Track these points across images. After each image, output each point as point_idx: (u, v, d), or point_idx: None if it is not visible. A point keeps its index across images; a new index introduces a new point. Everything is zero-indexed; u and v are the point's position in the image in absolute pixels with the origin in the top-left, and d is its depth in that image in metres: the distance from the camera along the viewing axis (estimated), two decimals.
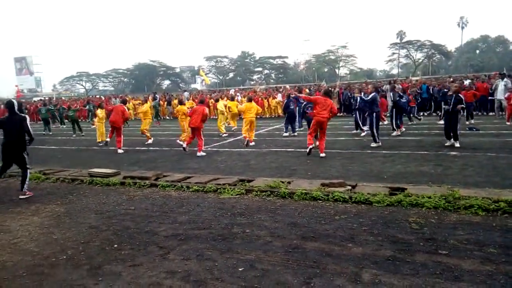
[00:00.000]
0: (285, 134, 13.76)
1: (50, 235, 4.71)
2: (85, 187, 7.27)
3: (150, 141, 13.28)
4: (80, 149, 13.08)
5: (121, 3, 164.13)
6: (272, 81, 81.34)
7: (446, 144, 9.74)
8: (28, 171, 6.83)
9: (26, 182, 6.75)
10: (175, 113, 12.92)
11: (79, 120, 20.38)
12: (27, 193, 6.70)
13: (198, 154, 10.23)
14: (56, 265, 3.85)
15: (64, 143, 15.01)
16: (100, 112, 14.11)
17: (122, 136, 11.83)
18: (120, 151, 11.53)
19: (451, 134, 9.75)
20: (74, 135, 17.19)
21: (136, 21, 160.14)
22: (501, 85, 15.49)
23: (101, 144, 13.48)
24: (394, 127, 12.38)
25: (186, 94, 28.98)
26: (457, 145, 9.61)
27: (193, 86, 73.12)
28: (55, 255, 4.08)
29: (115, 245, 4.27)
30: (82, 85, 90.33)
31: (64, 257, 4.02)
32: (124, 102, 12.54)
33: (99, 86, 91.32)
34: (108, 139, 12.61)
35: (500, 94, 15.47)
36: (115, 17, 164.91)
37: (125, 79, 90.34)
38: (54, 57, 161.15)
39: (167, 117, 26.25)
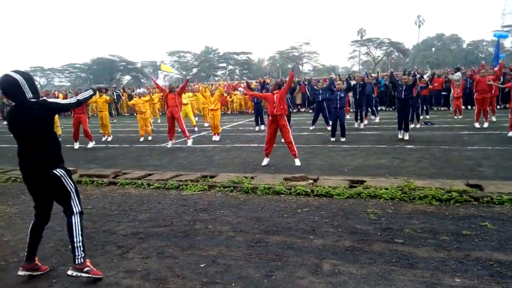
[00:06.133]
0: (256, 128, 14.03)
1: (1, 238, 4.46)
2: None
3: (109, 138, 12.86)
4: None
5: None
6: (236, 76, 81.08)
7: (399, 137, 10.09)
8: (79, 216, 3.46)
9: (80, 246, 3.38)
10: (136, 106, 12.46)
11: None
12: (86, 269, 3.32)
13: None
14: (7, 268, 3.65)
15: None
16: None
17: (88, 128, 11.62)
18: (90, 145, 11.63)
19: (403, 125, 9.99)
20: None
21: (95, 14, 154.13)
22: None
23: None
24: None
25: (140, 90, 22.53)
26: (406, 137, 9.94)
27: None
28: (5, 258, 3.86)
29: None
30: (36, 80, 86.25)
31: (16, 260, 3.81)
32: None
33: (55, 82, 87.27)
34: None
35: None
36: (72, 9, 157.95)
37: (83, 74, 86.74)
38: (4, 50, 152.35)
39: (126, 114, 25.57)
